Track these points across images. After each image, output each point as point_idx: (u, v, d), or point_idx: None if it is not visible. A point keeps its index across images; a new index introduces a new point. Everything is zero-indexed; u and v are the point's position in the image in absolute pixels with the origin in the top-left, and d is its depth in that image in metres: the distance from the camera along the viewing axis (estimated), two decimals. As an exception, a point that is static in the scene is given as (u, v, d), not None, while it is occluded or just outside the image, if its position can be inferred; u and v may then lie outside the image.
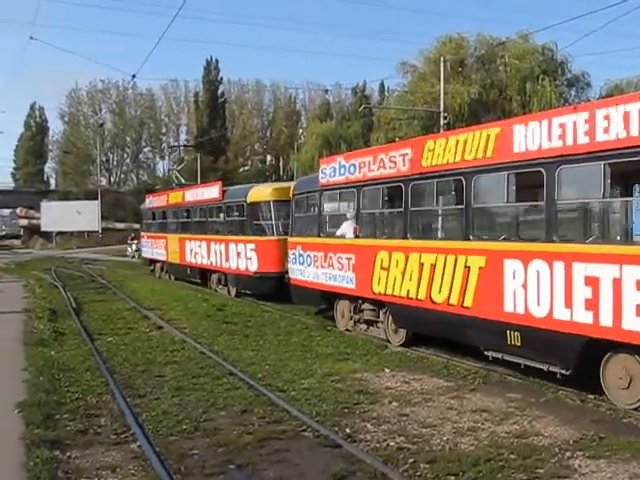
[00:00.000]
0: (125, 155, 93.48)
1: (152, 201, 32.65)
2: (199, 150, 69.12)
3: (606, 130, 8.03)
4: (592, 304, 8.20)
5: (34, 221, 78.83)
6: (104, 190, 73.99)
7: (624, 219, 9.85)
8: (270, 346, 12.76)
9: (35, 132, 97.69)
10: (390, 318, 12.94)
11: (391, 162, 12.47)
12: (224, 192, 23.07)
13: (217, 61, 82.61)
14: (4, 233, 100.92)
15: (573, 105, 9.62)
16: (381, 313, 13.25)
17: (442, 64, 35.92)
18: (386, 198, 13.25)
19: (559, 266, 8.68)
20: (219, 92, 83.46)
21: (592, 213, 10.33)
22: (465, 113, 38.35)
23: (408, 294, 11.71)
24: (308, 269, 15.62)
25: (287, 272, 17.00)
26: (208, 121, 79.80)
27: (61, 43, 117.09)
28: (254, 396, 8.94)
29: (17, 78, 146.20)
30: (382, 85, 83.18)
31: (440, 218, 12.30)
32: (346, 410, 8.33)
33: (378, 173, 12.87)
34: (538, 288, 8.98)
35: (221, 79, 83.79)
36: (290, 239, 16.95)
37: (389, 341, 12.95)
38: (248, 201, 21.04)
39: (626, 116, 7.79)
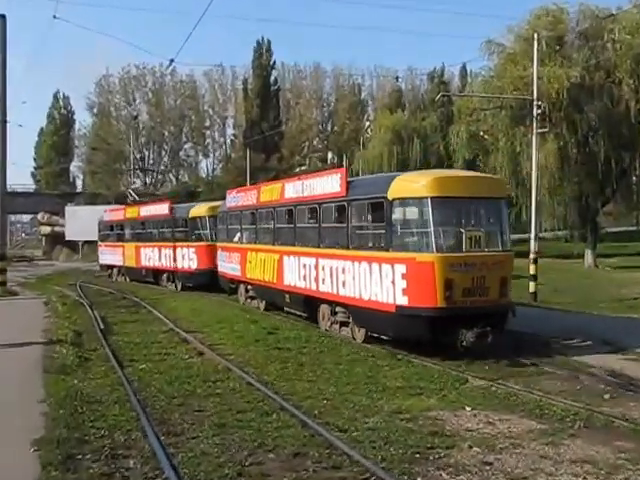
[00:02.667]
0: (163, 152, 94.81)
1: (110, 215, 45.39)
2: (249, 147, 69.75)
3: (309, 191, 19.43)
4: (306, 278, 19.11)
5: (57, 228, 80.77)
6: (138, 193, 75.24)
7: (317, 234, 19.04)
8: (329, 377, 12.77)
9: (59, 125, 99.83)
10: (253, 292, 24.74)
11: (251, 197, 24.56)
12: (172, 209, 34.54)
13: (269, 42, 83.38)
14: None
15: (298, 176, 22.20)
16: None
17: (536, 42, 35.33)
18: (250, 219, 24.82)
19: (296, 258, 19.88)
20: (272, 79, 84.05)
21: (310, 231, 19.70)
22: (563, 100, 37.63)
23: (257, 277, 23.33)
24: (224, 264, 27.26)
25: (217, 268, 28.38)
26: (259, 112, 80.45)
27: (89, 23, 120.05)
28: (309, 436, 8.94)
29: (39, 63, 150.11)
30: (463, 69, 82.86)
31: (268, 232, 23.02)
32: (418, 455, 8.27)
33: (247, 203, 24.97)
34: (291, 270, 20.24)
35: (274, 63, 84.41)
36: (217, 244, 28.55)
37: (259, 308, 23.95)
38: (189, 216, 32.65)
39: (310, 185, 19.46)
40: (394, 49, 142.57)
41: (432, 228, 14.83)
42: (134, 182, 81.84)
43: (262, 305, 23.74)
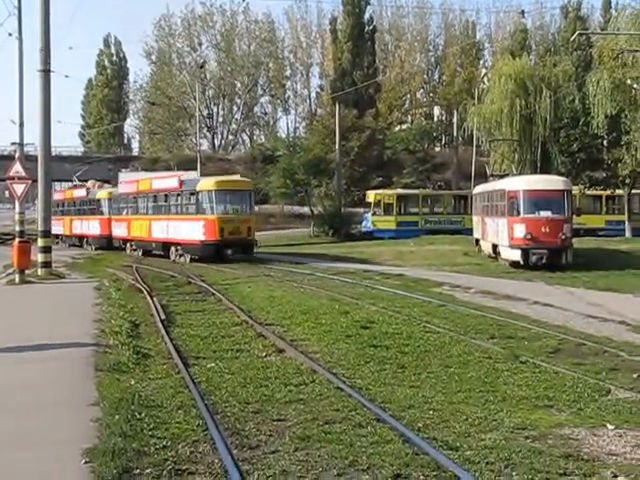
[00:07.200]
0: (234, 108, 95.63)
1: (58, 194, 70.67)
2: (338, 101, 69.58)
3: (164, 185, 47.69)
4: (163, 232, 45.30)
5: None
6: (206, 157, 75.86)
7: (168, 209, 46.50)
8: (436, 382, 12.70)
9: (110, 76, 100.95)
10: (135, 246, 50.45)
11: (134, 186, 52.69)
12: (88, 191, 61.24)
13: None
14: None
15: (177, 173, 54.98)
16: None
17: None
18: (133, 200, 52.37)
19: (158, 222, 46.16)
20: (366, 17, 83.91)
21: (164, 207, 46.47)
22: None
23: (138, 235, 49.74)
24: (117, 230, 53.63)
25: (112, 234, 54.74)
26: (350, 59, 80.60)
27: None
28: (412, 454, 8.86)
29: (87, 2, 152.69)
30: (607, 0, 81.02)
31: (143, 208, 50.15)
32: (547, 483, 8.15)
33: (131, 190, 53.04)
34: (155, 229, 46.59)
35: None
36: (112, 217, 54.72)
37: (138, 255, 48.36)
38: (96, 198, 58.40)
39: (164, 182, 48.65)
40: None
41: (215, 204, 39.70)
42: (200, 144, 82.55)
43: (140, 252, 47.71)
